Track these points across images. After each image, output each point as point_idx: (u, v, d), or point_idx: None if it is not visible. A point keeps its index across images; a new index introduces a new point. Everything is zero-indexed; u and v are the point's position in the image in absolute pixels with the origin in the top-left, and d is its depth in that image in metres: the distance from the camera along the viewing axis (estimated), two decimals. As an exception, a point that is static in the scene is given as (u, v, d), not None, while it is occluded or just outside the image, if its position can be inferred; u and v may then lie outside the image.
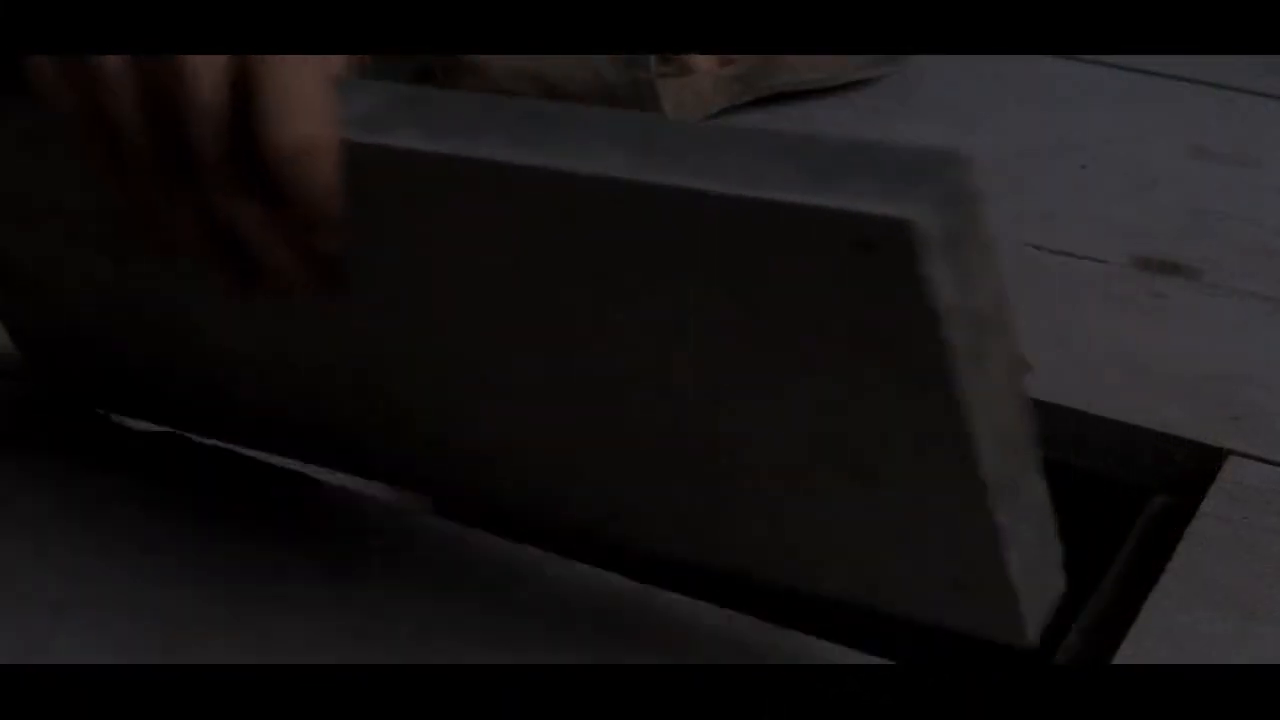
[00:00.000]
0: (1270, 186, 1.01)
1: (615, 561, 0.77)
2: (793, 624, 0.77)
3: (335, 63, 0.58)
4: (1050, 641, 0.79)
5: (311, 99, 0.55)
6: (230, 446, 0.77)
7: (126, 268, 0.69)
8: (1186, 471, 0.84)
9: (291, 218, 0.56)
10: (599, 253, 0.57)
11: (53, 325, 0.76)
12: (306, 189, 0.55)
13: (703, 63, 1.04)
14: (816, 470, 0.59)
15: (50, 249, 0.71)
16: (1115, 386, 0.87)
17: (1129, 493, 0.86)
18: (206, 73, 0.55)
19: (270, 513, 0.73)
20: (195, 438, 0.77)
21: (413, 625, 0.68)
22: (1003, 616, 0.60)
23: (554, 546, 0.76)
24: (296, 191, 0.55)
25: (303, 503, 0.74)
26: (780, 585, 0.63)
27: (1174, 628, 0.75)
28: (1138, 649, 0.74)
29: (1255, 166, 1.03)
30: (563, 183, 0.55)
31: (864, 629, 0.70)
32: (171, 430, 0.78)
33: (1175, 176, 1.03)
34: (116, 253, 0.69)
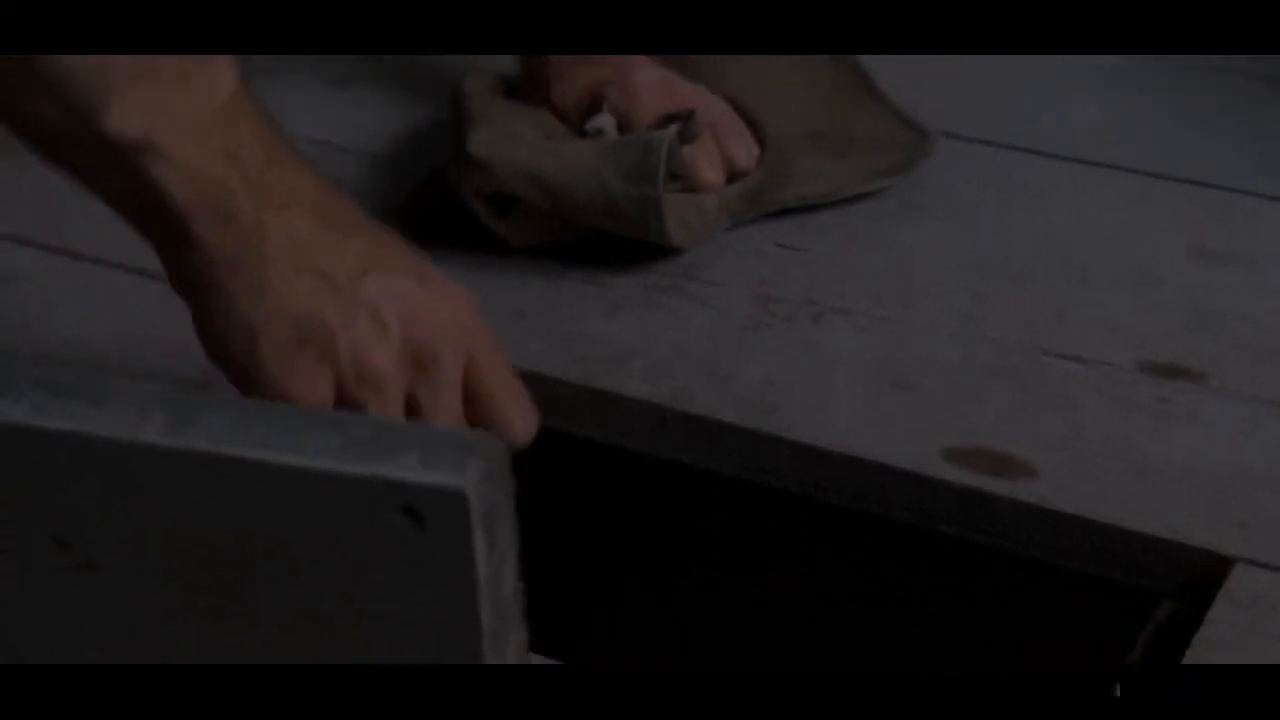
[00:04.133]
0: (1274, 288, 1.02)
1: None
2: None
3: None
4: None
5: None
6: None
7: None
8: (1194, 578, 0.84)
9: None
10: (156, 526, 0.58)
11: None
12: None
13: (709, 179, 1.05)
14: None
15: None
16: (1121, 492, 0.87)
17: (1136, 599, 0.85)
18: None
19: None
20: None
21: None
22: None
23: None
24: None
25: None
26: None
27: (1182, 738, 0.74)
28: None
29: (1258, 268, 1.03)
30: (97, 447, 0.56)
31: None
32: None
33: (1179, 278, 1.03)
34: None
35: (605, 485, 1.02)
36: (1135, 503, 0.86)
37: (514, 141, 1.02)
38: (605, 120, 1.05)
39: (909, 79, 1.20)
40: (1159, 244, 1.06)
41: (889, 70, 1.19)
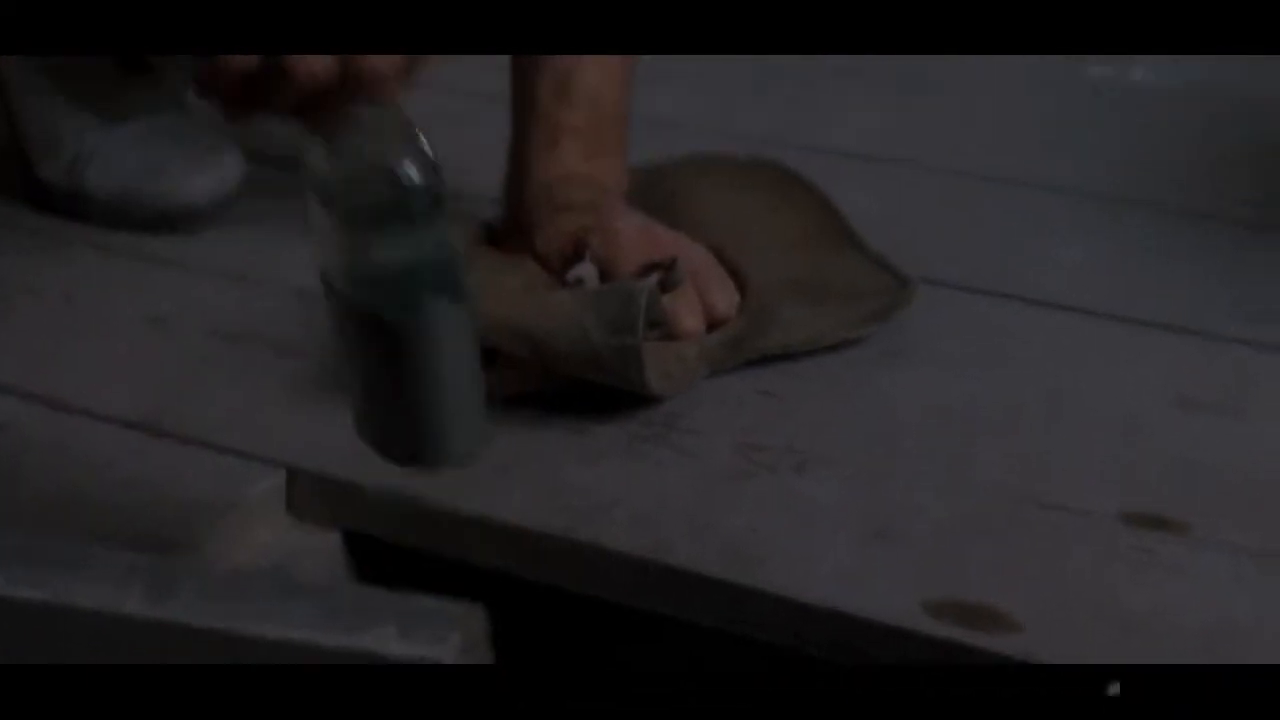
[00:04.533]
0: (1257, 437, 1.02)
1: None
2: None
3: None
4: None
5: None
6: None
7: None
8: (1178, 733, 0.83)
9: None
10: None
11: None
12: None
13: (689, 327, 1.05)
14: None
15: None
16: (1105, 645, 0.86)
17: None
18: None
19: None
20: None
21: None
22: None
23: None
24: None
25: None
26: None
27: None
28: None
29: (1242, 417, 1.03)
30: (75, 619, 0.57)
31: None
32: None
33: (1164, 427, 1.03)
34: None
35: (585, 638, 1.01)
36: (1119, 656, 0.86)
37: (496, 292, 1.02)
38: (586, 269, 1.06)
39: (888, 224, 1.20)
40: (1144, 392, 1.06)
41: (869, 215, 1.20)
